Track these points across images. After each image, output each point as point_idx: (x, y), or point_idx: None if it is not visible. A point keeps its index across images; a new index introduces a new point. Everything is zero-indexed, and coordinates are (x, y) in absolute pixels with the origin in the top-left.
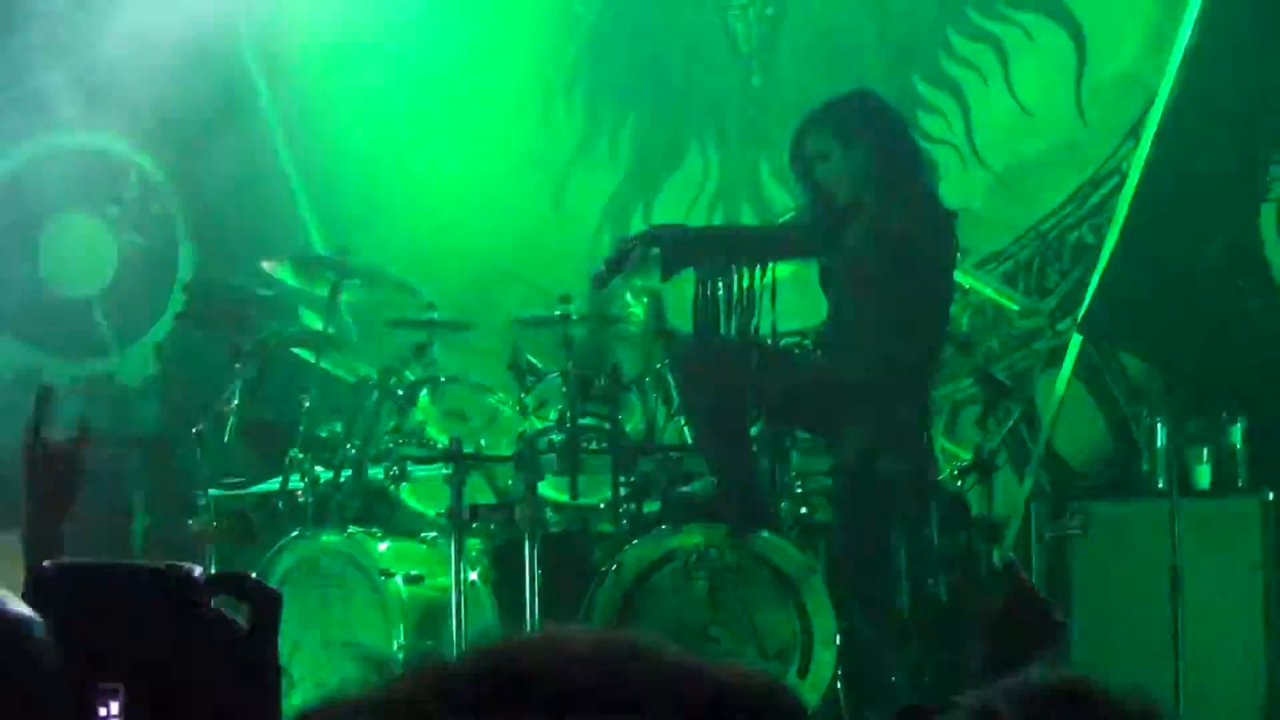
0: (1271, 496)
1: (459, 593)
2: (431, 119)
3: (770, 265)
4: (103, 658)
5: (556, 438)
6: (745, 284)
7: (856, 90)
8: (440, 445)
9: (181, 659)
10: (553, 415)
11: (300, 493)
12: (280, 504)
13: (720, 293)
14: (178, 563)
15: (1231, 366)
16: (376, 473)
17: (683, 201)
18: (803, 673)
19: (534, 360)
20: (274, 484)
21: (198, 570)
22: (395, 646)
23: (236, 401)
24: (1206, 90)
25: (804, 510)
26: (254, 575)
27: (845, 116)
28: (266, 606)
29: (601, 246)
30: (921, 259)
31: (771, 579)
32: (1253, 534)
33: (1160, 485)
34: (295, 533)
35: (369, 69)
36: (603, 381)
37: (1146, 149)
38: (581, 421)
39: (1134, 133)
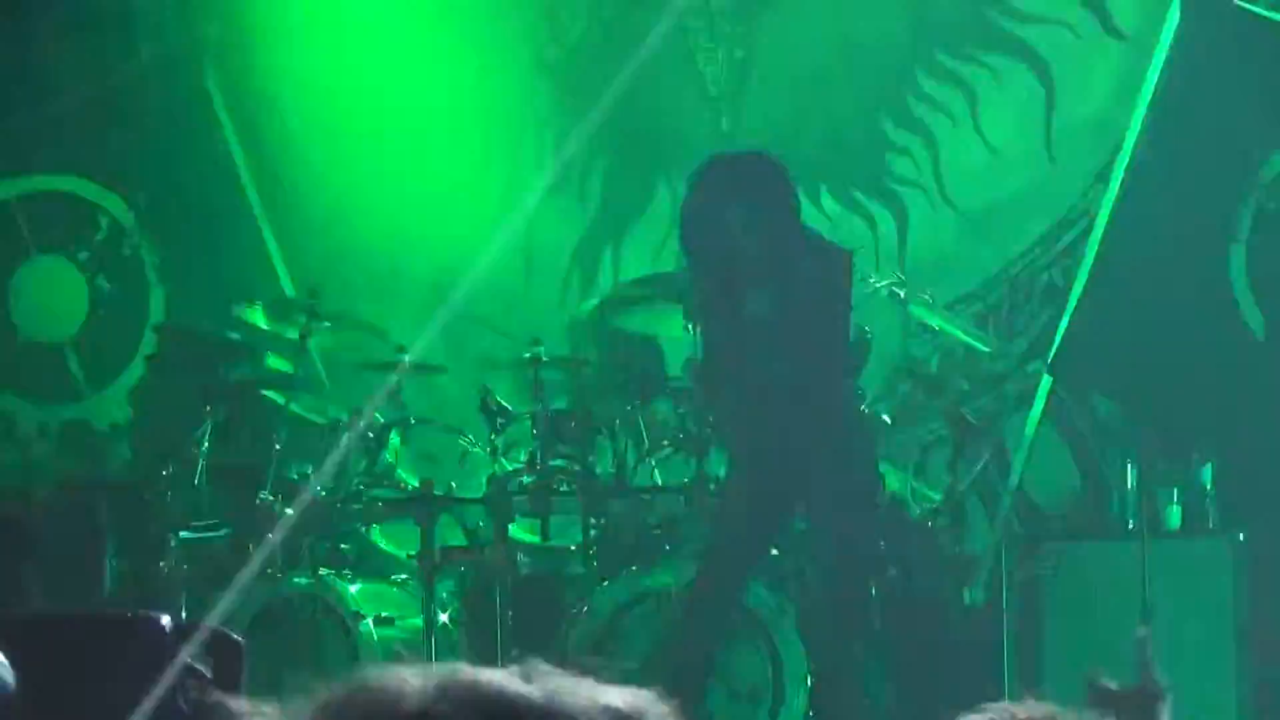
0: (1242, 537)
1: (430, 635)
2: (401, 162)
3: None
4: (68, 705)
5: (527, 480)
6: None
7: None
8: (410, 487)
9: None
10: (523, 457)
11: (271, 535)
12: (251, 546)
13: None
14: (145, 611)
15: (1202, 408)
16: (348, 514)
17: (651, 244)
18: (774, 713)
19: (504, 402)
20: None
21: (165, 619)
22: None
23: (207, 444)
24: (1175, 134)
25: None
26: (218, 624)
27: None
28: (230, 655)
29: (572, 288)
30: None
31: (743, 620)
32: (1223, 575)
33: (1130, 526)
34: (266, 575)
35: (338, 113)
36: (573, 423)
37: (1115, 192)
38: (552, 464)
39: (1103, 176)
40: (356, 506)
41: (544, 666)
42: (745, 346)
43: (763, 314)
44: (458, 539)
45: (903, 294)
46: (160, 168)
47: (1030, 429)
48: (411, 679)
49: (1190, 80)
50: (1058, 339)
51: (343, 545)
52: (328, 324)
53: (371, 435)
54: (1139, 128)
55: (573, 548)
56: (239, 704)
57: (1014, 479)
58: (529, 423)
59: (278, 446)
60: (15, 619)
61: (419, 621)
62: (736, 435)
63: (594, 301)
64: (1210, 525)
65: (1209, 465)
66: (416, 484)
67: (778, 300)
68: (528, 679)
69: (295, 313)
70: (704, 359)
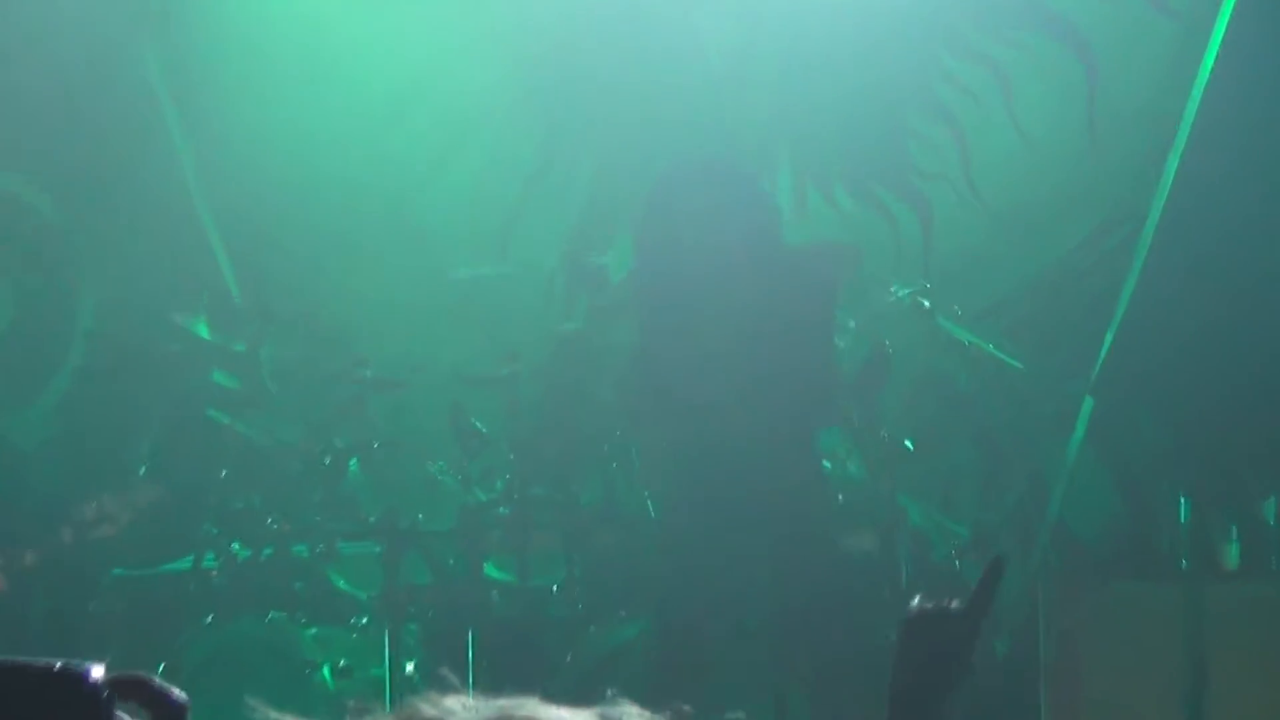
0: None
1: (393, 687)
2: (362, 153)
3: None
4: None
5: (503, 511)
6: None
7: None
8: (372, 519)
9: None
10: (499, 486)
11: (215, 573)
12: (192, 586)
13: None
14: (73, 661)
15: (1264, 433)
16: (301, 550)
17: None
18: None
19: (478, 424)
20: (185, 563)
21: (96, 670)
22: None
23: (143, 470)
24: (1233, 124)
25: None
26: (158, 678)
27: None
28: (171, 715)
29: (556, 295)
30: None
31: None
32: None
33: (1183, 565)
34: (209, 619)
35: (295, 102)
36: (555, 449)
37: (1167, 189)
38: (531, 493)
39: (1153, 171)
40: (314, 544)
41: (632, 709)
42: (695, 375)
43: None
44: (425, 578)
45: (927, 303)
46: (95, 162)
47: (1070, 455)
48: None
49: (1250, 64)
50: (1102, 355)
51: (296, 584)
52: (280, 333)
53: (329, 460)
54: (1193, 117)
55: (555, 588)
56: None
57: (1052, 512)
58: (506, 446)
59: (223, 472)
60: None
61: (382, 671)
62: (669, 474)
63: (581, 310)
64: (1272, 566)
65: (1271, 498)
66: (379, 516)
67: (740, 326)
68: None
69: (244, 321)
70: (639, 383)
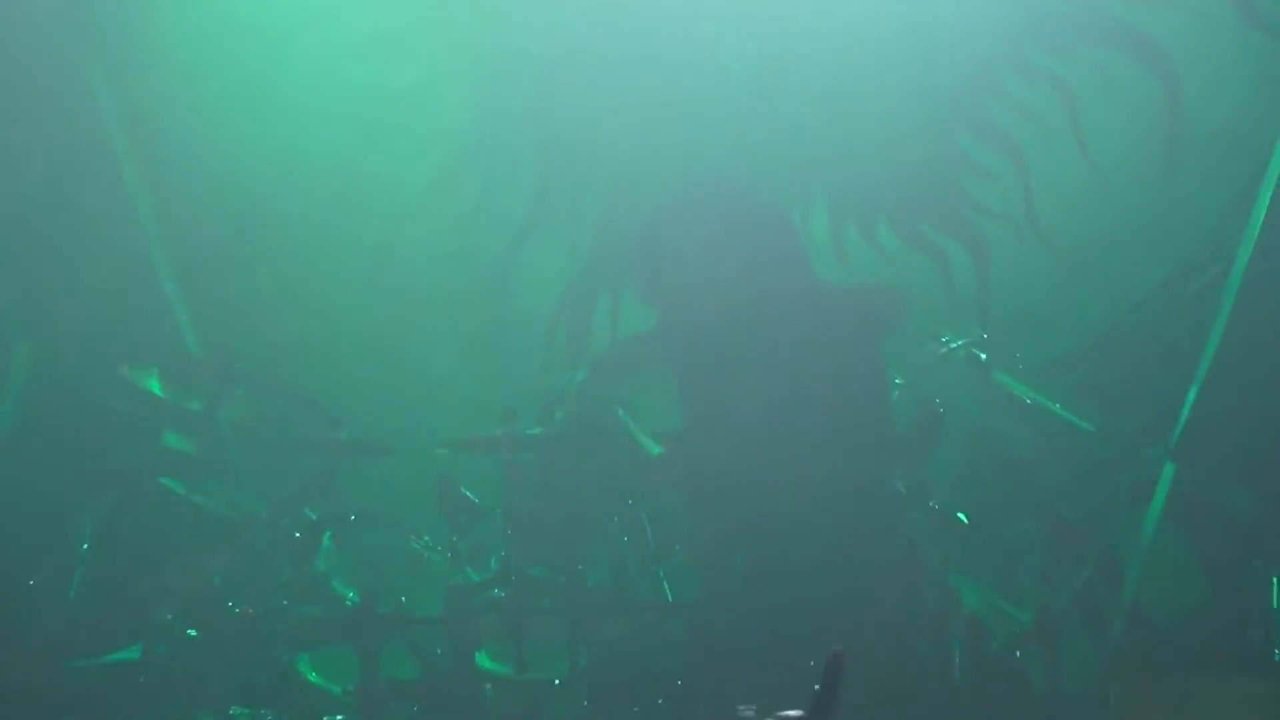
0: None
1: None
2: (334, 191)
3: None
4: None
5: (498, 593)
6: None
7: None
8: (349, 602)
9: None
10: (494, 564)
11: (168, 663)
12: (142, 677)
13: None
14: None
15: None
16: (267, 637)
17: None
18: None
19: (469, 493)
20: (134, 652)
21: None
22: None
23: (87, 545)
24: None
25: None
26: None
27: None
28: None
29: (558, 347)
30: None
31: None
32: None
33: (1277, 657)
34: (161, 715)
35: (258, 132)
36: (557, 521)
37: (1258, 226)
38: (529, 573)
39: (1241, 205)
40: (279, 627)
41: None
42: (730, 422)
43: (753, 382)
44: (408, 670)
45: (984, 355)
46: (32, 194)
47: (1148, 530)
48: None
49: None
50: (1183, 415)
51: (261, 677)
52: (243, 390)
53: (299, 535)
54: None
55: (557, 682)
56: None
57: (1127, 595)
58: (501, 520)
59: (177, 548)
60: None
61: None
62: (713, 536)
63: (584, 365)
64: None
65: None
66: (355, 598)
67: (774, 365)
68: None
69: (202, 376)
70: (682, 436)
